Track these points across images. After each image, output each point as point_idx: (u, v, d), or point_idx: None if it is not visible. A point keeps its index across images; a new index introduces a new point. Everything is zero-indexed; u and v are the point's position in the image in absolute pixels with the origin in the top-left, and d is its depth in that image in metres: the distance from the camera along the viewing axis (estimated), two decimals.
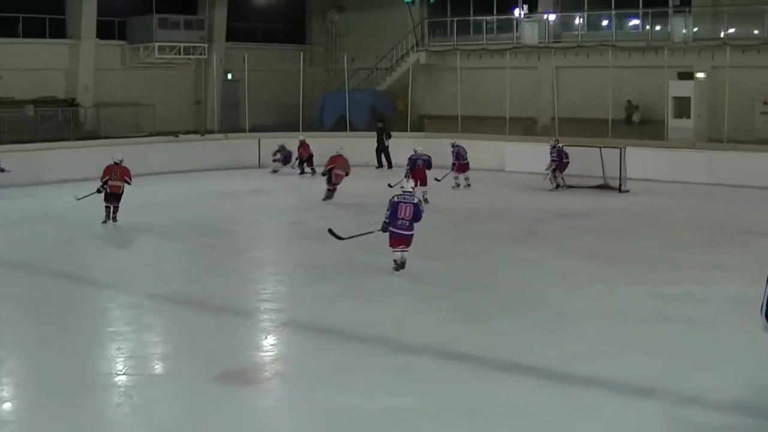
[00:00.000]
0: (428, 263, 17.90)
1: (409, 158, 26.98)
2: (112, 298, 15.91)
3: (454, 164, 29.62)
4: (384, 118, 38.66)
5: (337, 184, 26.84)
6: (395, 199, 17.02)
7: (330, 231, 18.25)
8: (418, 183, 23.08)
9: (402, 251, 16.80)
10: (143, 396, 10.65)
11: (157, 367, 12.12)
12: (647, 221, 23.82)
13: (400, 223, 16.70)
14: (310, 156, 33.92)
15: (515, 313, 14.43)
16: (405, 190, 17.33)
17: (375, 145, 36.59)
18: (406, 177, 20.77)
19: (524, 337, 13.00)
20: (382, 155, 36.54)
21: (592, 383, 10.92)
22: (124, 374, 11.46)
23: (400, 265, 16.81)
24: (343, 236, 18.12)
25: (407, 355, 12.25)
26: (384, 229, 16.88)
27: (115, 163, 23.18)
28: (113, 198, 22.73)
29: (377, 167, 35.99)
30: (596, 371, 11.30)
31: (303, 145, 34.22)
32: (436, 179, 28.11)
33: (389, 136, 36.65)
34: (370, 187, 28.83)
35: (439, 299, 15.40)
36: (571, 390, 10.77)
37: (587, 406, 10.27)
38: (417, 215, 16.78)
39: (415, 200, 17.14)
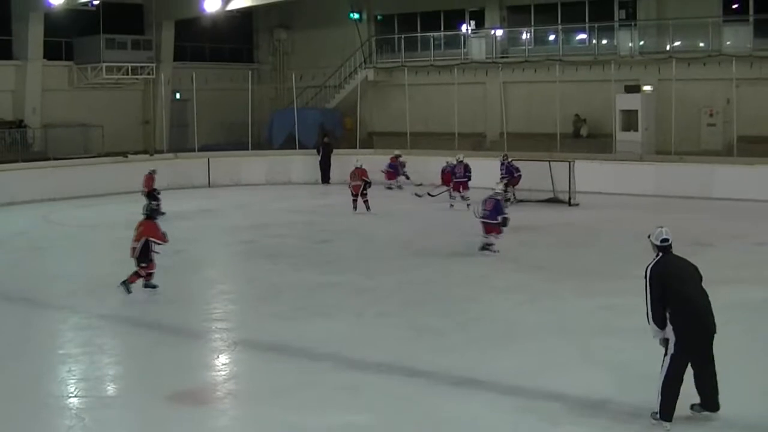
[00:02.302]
0: (377, 279, 18.08)
1: (442, 169, 30.13)
2: (63, 319, 15.79)
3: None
4: (329, 133, 38.73)
5: (356, 195, 28.04)
6: (487, 195, 21.13)
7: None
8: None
9: (494, 238, 20.60)
10: (95, 418, 10.56)
11: (109, 388, 12.02)
12: (596, 234, 24.07)
13: (482, 213, 20.73)
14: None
15: (465, 328, 14.49)
16: (495, 190, 21.38)
17: (322, 161, 36.72)
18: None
19: (475, 352, 13.06)
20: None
21: (544, 396, 10.96)
22: (75, 396, 11.36)
23: (482, 247, 20.62)
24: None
25: (359, 372, 12.28)
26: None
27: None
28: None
29: (322, 182, 36.15)
30: (547, 384, 11.36)
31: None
32: (429, 194, 30.50)
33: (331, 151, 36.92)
34: (318, 204, 28.90)
35: (389, 315, 15.45)
36: (522, 404, 10.84)
37: (539, 419, 10.30)
38: (497, 208, 20.61)
39: (498, 197, 21.03)
